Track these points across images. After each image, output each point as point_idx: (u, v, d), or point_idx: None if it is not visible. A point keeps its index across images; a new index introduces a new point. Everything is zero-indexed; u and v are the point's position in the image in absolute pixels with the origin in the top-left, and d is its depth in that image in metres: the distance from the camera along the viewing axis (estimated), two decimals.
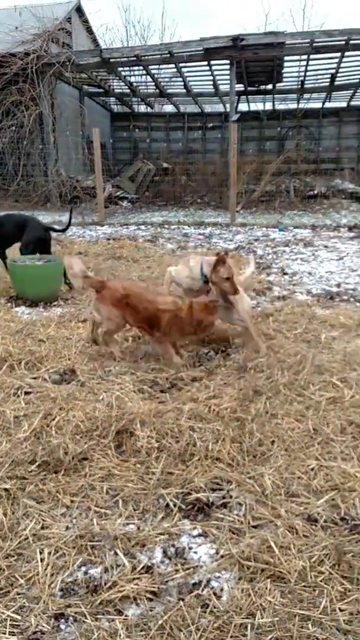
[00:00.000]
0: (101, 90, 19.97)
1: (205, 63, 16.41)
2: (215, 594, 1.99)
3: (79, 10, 19.13)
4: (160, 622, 1.83)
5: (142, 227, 12.70)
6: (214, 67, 17.15)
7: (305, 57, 16.30)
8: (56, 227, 6.99)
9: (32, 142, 15.62)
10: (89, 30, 20.36)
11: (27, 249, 6.24)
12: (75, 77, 16.73)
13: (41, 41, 15.32)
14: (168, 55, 15.37)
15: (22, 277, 5.80)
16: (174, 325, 4.00)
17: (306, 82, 19.51)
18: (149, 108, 23.48)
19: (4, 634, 1.80)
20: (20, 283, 5.83)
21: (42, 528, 2.32)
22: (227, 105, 19.18)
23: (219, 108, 22.94)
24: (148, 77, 18.74)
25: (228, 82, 16.66)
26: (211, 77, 18.45)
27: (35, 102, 15.28)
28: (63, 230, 6.92)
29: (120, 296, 4.08)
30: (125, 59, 15.83)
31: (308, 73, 18.42)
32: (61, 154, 16.62)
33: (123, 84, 19.34)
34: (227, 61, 15.62)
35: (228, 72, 16.19)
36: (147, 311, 4.03)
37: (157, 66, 17.37)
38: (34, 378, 3.80)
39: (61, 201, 15.96)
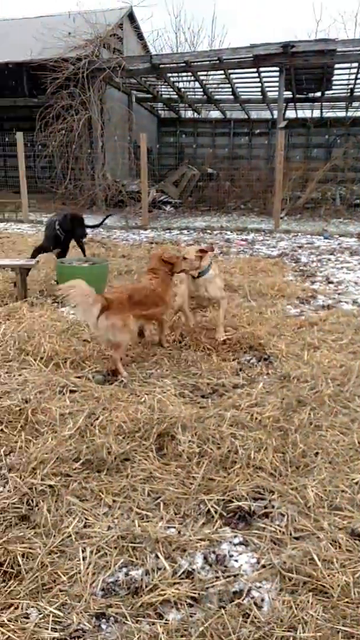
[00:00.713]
0: (149, 95, 20.18)
1: (254, 70, 16.37)
2: (256, 604, 1.97)
3: (130, 16, 19.41)
4: (201, 628, 1.82)
5: (185, 231, 12.75)
6: (262, 74, 17.09)
7: (356, 64, 16.03)
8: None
9: (80, 146, 15.90)
10: (140, 36, 20.63)
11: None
12: (125, 83, 16.97)
13: (93, 47, 15.60)
14: (217, 61, 15.41)
15: (69, 278, 5.89)
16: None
17: (356, 90, 19.19)
18: (195, 114, 23.58)
19: (47, 629, 1.82)
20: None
21: (85, 526, 2.35)
22: (275, 112, 19.06)
23: (266, 114, 22.84)
24: (196, 83, 18.82)
25: (276, 88, 16.56)
26: (259, 84, 18.39)
27: (85, 106, 15.56)
28: (95, 227, 7.67)
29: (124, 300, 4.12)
30: (175, 65, 15.94)
31: (358, 81, 18.11)
32: (108, 158, 16.86)
33: (171, 89, 19.48)
34: (277, 68, 15.53)
35: (277, 78, 16.10)
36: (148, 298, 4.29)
37: (205, 72, 17.42)
38: (79, 377, 3.86)
39: (106, 204, 16.19)
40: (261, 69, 16.34)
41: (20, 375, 3.86)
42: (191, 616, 1.90)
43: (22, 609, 1.91)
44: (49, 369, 3.95)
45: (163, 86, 19.65)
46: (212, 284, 4.71)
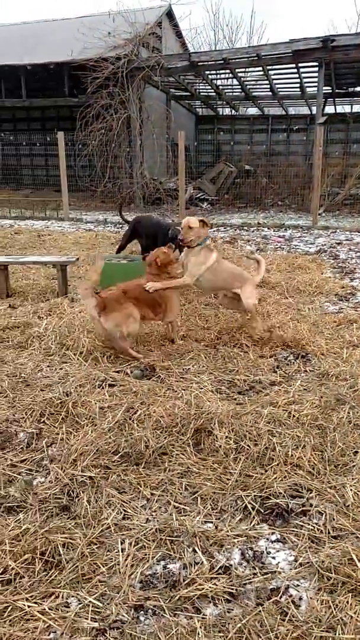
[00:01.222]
0: (187, 93, 20.18)
1: (293, 65, 16.16)
2: (293, 602, 1.95)
3: (169, 14, 19.46)
4: (238, 625, 1.82)
5: (221, 228, 12.71)
6: (301, 69, 16.85)
7: None
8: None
9: (119, 145, 16.05)
10: (178, 34, 20.66)
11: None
12: (163, 81, 17.02)
13: (132, 46, 15.72)
14: (256, 58, 15.28)
15: (109, 274, 5.98)
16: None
17: None
18: (233, 111, 23.46)
19: (86, 619, 1.86)
20: (108, 279, 6.01)
21: (124, 518, 2.38)
22: (313, 108, 18.77)
23: (304, 110, 22.53)
24: (234, 80, 18.71)
25: (315, 84, 16.31)
26: (298, 79, 18.15)
27: (124, 105, 15.70)
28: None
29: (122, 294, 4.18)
30: (213, 62, 15.89)
31: None
32: (146, 156, 16.97)
33: (209, 87, 19.43)
34: (316, 63, 15.28)
35: (316, 74, 15.84)
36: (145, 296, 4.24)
37: (243, 69, 17.30)
38: (117, 372, 3.91)
39: (144, 202, 16.30)
40: (300, 64, 16.12)
41: (61, 369, 3.94)
42: (228, 612, 1.90)
43: (62, 597, 1.95)
44: (89, 363, 4.02)
45: (201, 84, 19.62)
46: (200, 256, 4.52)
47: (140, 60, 15.46)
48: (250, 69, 17.43)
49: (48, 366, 4.01)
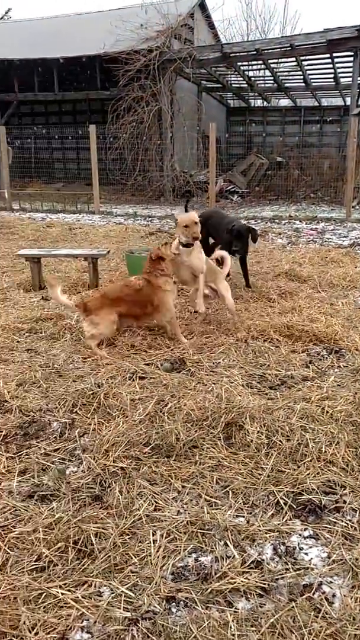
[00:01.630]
0: (219, 85, 20.01)
1: (327, 55, 15.84)
2: (327, 599, 1.93)
3: (201, 5, 19.29)
4: (271, 620, 1.81)
5: (252, 221, 12.58)
6: (336, 59, 16.51)
7: None
8: None
9: (150, 138, 16.05)
10: (211, 25, 20.47)
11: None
12: (195, 73, 16.91)
13: (164, 38, 15.65)
14: (289, 48, 15.03)
15: (135, 266, 6.02)
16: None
17: None
18: (265, 102, 23.18)
19: (119, 608, 1.87)
20: (134, 272, 6.05)
21: (155, 510, 2.39)
22: (347, 99, 18.38)
23: (338, 101, 22.07)
24: (266, 71, 18.46)
25: (350, 74, 15.96)
26: (332, 70, 17.79)
27: (156, 98, 15.67)
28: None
29: (102, 299, 4.33)
30: (246, 53, 15.71)
31: None
32: (177, 149, 16.92)
33: (241, 78, 19.23)
34: (351, 52, 14.95)
35: (351, 64, 15.51)
36: (130, 296, 4.35)
37: (276, 60, 17.05)
38: (147, 364, 3.92)
39: (174, 195, 16.27)
40: (334, 54, 15.80)
41: (92, 360, 3.98)
42: (261, 607, 1.89)
43: (95, 586, 1.97)
44: (119, 356, 4.04)
45: (233, 75, 19.43)
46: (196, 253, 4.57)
47: (172, 52, 15.39)
48: (283, 60, 17.17)
49: (80, 357, 4.05)
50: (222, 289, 4.83)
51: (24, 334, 4.59)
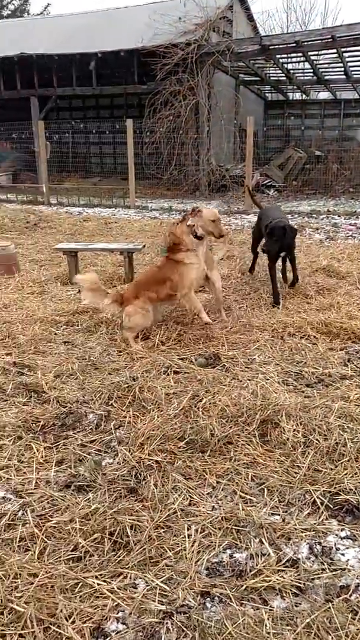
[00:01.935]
0: (257, 78, 19.77)
1: None
2: None
3: None
4: (307, 620, 1.79)
5: (289, 216, 12.40)
6: None
7: None
8: None
9: (187, 132, 15.98)
10: (250, 17, 20.19)
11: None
12: (233, 66, 16.74)
13: (202, 31, 15.53)
14: (330, 39, 14.71)
15: None
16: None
17: None
18: (303, 95, 22.79)
19: (154, 601, 1.88)
20: None
21: (190, 504, 2.39)
22: None
23: None
24: (306, 63, 18.13)
25: None
26: None
27: (193, 91, 15.58)
28: None
29: (135, 288, 4.42)
30: (285, 45, 15.45)
31: None
32: (213, 143, 16.81)
33: (279, 71, 18.94)
34: None
35: None
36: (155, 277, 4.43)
37: (316, 52, 16.71)
38: (182, 359, 3.92)
39: (209, 189, 16.19)
40: None
41: (127, 353, 4.00)
42: (296, 606, 1.87)
43: (130, 578, 1.99)
44: (154, 349, 4.05)
45: (271, 68, 19.16)
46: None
47: (211, 45, 15.26)
48: (323, 52, 16.82)
49: (115, 350, 4.08)
50: (215, 277, 4.78)
51: (61, 326, 4.65)
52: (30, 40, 19.01)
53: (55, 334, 4.47)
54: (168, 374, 3.64)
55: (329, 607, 1.84)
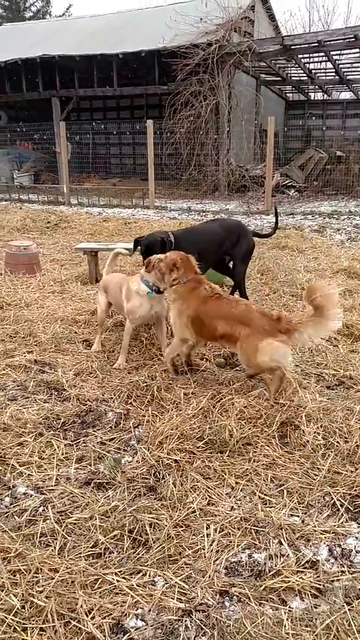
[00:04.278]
0: (278, 78, 19.67)
1: None
2: None
3: None
4: (326, 622, 1.78)
5: (309, 216, 12.33)
6: None
7: None
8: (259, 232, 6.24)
9: (207, 132, 15.98)
10: (272, 17, 20.11)
11: (244, 263, 5.07)
12: (254, 66, 16.68)
13: (224, 31, 15.50)
14: (353, 39, 14.57)
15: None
16: None
17: None
18: (325, 95, 22.62)
19: (172, 599, 1.89)
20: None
21: (209, 504, 2.40)
22: None
23: None
24: (328, 63, 17.99)
25: None
26: None
27: (214, 92, 15.57)
28: (268, 236, 5.93)
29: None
30: (307, 45, 15.36)
31: None
32: (233, 143, 16.77)
33: (301, 71, 18.83)
34: None
35: None
36: None
37: (339, 51, 16.57)
38: (201, 359, 3.93)
39: (229, 190, 16.15)
40: None
41: (145, 353, 4.02)
42: (315, 607, 1.86)
43: (149, 576, 2.00)
44: None
45: (292, 68, 19.05)
46: None
47: (232, 46, 15.23)
48: (346, 51, 16.68)
49: (134, 350, 4.10)
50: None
51: (81, 325, 4.69)
52: (52, 42, 19.19)
53: (75, 332, 4.51)
54: (187, 374, 3.64)
55: (349, 610, 1.83)
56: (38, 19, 33.23)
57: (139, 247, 4.41)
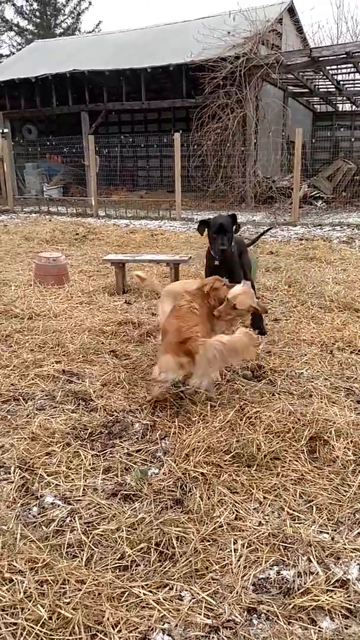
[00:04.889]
0: (306, 90, 19.67)
1: None
2: None
3: (290, 10, 19.06)
4: None
5: (337, 227, 12.22)
6: None
7: None
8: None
9: (233, 144, 16.04)
10: (299, 29, 20.17)
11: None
12: (282, 78, 16.72)
13: (251, 44, 15.61)
14: None
15: None
16: None
17: None
18: (353, 107, 22.49)
19: (199, 614, 1.87)
20: None
21: (236, 519, 2.37)
22: None
23: None
24: (356, 74, 17.92)
25: None
26: None
27: (241, 104, 15.65)
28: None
29: None
30: (335, 57, 15.33)
31: None
32: (260, 155, 16.79)
33: (329, 83, 18.79)
34: None
35: None
36: None
37: None
38: (227, 371, 3.90)
39: (255, 201, 16.15)
40: None
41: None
42: (346, 628, 1.82)
43: (176, 590, 1.98)
44: None
45: (320, 80, 19.03)
46: None
47: (259, 58, 15.31)
48: None
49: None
50: None
51: (108, 336, 4.72)
52: (82, 57, 19.60)
53: (102, 343, 4.54)
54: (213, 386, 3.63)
55: None
56: (68, 35, 33.98)
57: (205, 229, 4.44)
